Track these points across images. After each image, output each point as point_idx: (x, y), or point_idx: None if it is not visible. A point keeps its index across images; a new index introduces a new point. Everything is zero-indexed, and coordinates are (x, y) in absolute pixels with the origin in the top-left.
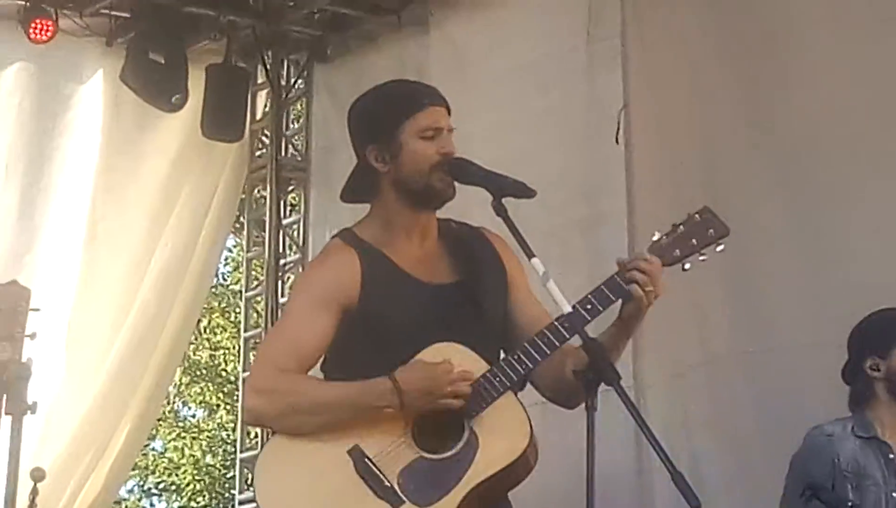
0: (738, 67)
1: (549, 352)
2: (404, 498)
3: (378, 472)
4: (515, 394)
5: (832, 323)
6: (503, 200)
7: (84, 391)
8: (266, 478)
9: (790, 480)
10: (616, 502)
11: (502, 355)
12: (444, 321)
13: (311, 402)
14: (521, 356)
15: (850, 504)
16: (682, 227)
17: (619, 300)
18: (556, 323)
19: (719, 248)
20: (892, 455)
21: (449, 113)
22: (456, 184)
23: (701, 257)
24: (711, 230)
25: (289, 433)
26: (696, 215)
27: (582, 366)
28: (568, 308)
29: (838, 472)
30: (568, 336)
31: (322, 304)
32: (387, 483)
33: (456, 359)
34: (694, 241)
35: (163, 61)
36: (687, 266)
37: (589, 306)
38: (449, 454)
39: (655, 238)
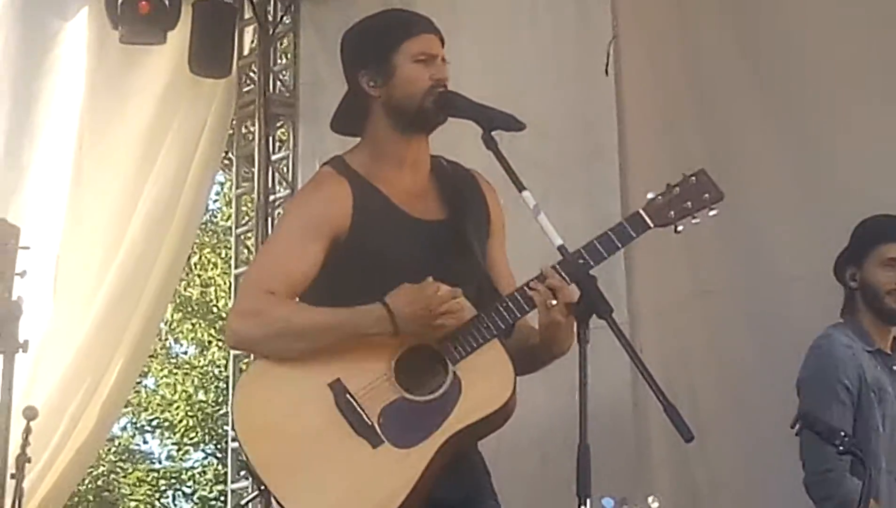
0: None
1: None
2: (384, 438)
3: (359, 408)
4: (502, 343)
5: (825, 254)
6: (493, 133)
7: (75, 328)
8: (245, 404)
9: (818, 390)
10: (612, 435)
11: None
12: (433, 258)
13: (298, 326)
14: (511, 304)
15: (842, 433)
16: (677, 188)
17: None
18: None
19: (712, 212)
20: (895, 367)
21: (443, 44)
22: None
23: (694, 221)
24: (706, 194)
25: (271, 358)
26: (692, 178)
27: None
28: (559, 241)
29: (865, 386)
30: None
31: (312, 232)
32: (367, 421)
33: None
34: (689, 204)
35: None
36: (679, 228)
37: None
38: (431, 397)
39: (650, 197)
